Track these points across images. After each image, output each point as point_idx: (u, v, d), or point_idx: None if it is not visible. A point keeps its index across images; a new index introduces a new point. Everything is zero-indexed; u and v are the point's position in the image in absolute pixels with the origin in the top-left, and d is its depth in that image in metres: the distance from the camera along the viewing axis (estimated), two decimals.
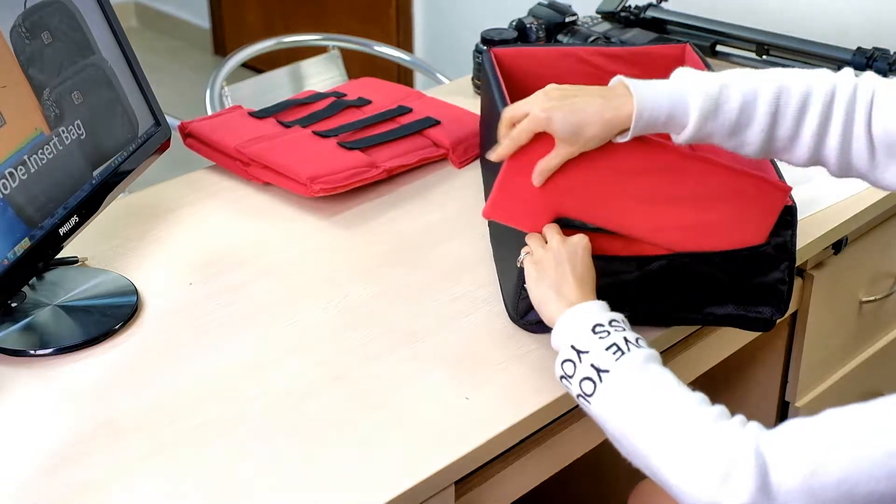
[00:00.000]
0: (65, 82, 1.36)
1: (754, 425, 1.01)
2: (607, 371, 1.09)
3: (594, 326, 1.12)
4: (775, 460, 0.97)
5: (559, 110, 1.17)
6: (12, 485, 1.11)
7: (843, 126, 1.19)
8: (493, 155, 1.23)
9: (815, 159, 1.23)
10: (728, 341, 1.52)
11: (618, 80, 1.21)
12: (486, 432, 1.18)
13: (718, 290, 1.30)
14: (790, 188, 1.26)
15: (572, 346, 1.13)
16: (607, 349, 1.10)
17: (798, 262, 1.56)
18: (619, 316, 1.15)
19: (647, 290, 1.28)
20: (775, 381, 1.75)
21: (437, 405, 1.22)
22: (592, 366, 1.10)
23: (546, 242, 1.23)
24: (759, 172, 1.26)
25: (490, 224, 1.53)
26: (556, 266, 1.20)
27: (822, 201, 1.62)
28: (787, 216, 1.27)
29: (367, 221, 1.59)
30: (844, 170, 1.23)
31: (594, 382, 1.10)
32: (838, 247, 1.66)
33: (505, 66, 1.66)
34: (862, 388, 1.87)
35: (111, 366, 1.29)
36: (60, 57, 1.36)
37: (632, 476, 1.58)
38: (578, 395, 1.12)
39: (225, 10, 4.47)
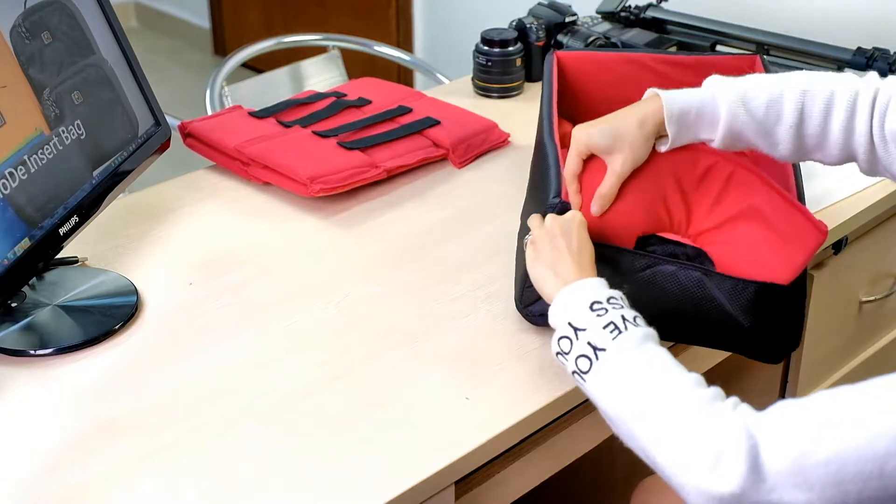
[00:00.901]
0: (65, 82, 1.36)
1: (745, 408, 1.01)
2: (604, 349, 1.09)
3: (592, 304, 1.12)
4: (765, 442, 0.97)
5: (594, 126, 1.27)
6: (12, 485, 1.11)
7: (868, 121, 1.23)
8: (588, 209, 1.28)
9: (847, 155, 1.26)
10: None
11: (649, 91, 1.28)
12: (486, 432, 1.18)
13: (727, 323, 1.25)
14: (826, 228, 1.22)
15: (569, 323, 1.12)
16: (604, 327, 1.10)
17: None
18: (617, 293, 1.14)
19: (651, 301, 1.24)
20: (775, 381, 1.75)
21: (437, 405, 1.22)
22: (589, 343, 1.10)
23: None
24: (800, 206, 1.24)
25: (521, 217, 1.52)
26: (550, 244, 1.20)
27: (823, 201, 1.62)
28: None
29: (367, 221, 1.59)
30: (873, 166, 1.26)
31: (590, 360, 1.10)
32: (838, 247, 1.66)
33: (567, 71, 1.65)
34: None
35: (111, 366, 1.29)
36: (60, 57, 1.36)
37: (631, 476, 1.58)
38: (574, 372, 1.12)
39: (225, 10, 4.47)
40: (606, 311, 1.11)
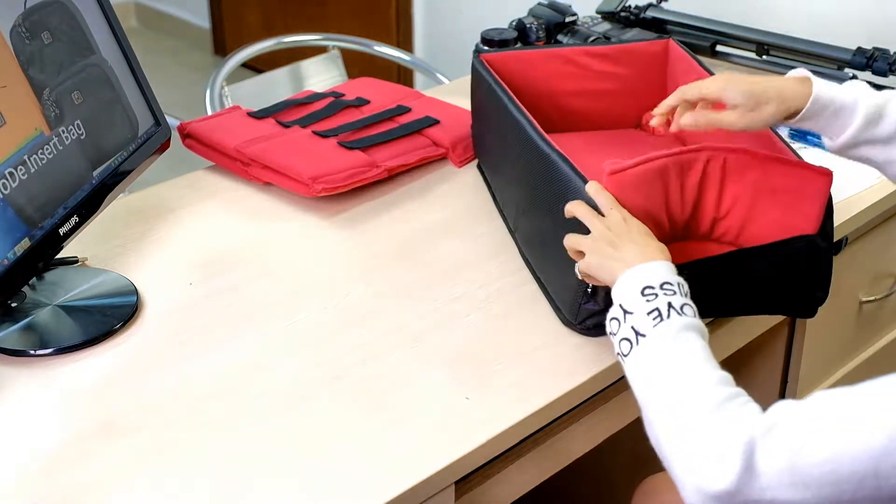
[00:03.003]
0: (65, 82, 1.36)
1: (751, 408, 1.01)
2: (644, 335, 1.10)
3: (644, 288, 1.12)
4: (762, 441, 0.97)
5: (738, 84, 1.30)
6: (12, 485, 1.11)
7: None
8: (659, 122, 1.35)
9: None
10: (729, 341, 1.52)
11: (799, 70, 1.33)
12: (486, 432, 1.18)
13: (768, 291, 1.32)
14: (831, 172, 1.26)
15: (620, 305, 1.14)
16: (649, 313, 1.10)
17: None
18: (675, 279, 1.13)
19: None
20: (775, 381, 1.75)
21: (437, 405, 1.22)
22: (633, 328, 1.11)
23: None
24: (798, 161, 1.28)
25: (526, 244, 1.50)
26: (610, 245, 1.19)
27: None
28: (829, 203, 1.29)
29: (367, 221, 1.59)
30: None
31: (631, 344, 1.11)
32: (838, 247, 1.66)
33: (495, 70, 1.66)
34: None
35: (111, 366, 1.29)
36: (60, 57, 1.36)
37: (631, 476, 1.59)
38: (617, 353, 1.13)
39: (225, 10, 4.47)
40: (656, 296, 1.11)
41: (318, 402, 1.23)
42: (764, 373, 1.75)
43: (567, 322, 1.34)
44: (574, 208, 1.26)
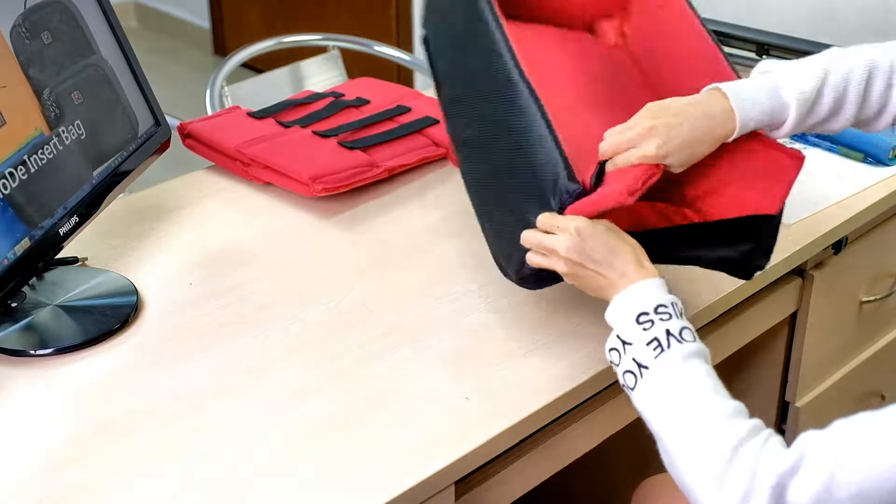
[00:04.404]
0: (65, 82, 1.36)
1: (774, 443, 1.01)
2: (647, 367, 1.09)
3: (639, 316, 1.11)
4: (790, 481, 0.97)
5: (674, 153, 1.20)
6: (12, 484, 1.11)
7: None
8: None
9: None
10: (729, 341, 1.52)
11: (713, 87, 1.25)
12: (486, 432, 1.18)
13: (720, 257, 1.28)
14: (803, 157, 1.25)
15: (618, 336, 1.12)
16: (648, 343, 1.09)
17: (798, 263, 1.56)
18: (668, 299, 1.12)
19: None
20: (775, 381, 1.75)
21: (437, 405, 1.22)
22: (634, 360, 1.10)
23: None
24: (772, 142, 1.26)
25: (468, 178, 1.41)
26: (582, 268, 1.17)
27: (822, 201, 1.62)
28: None
29: (367, 221, 1.59)
30: None
31: (635, 376, 1.10)
32: (838, 247, 1.66)
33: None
34: (862, 389, 1.87)
35: (111, 366, 1.29)
36: (60, 57, 1.36)
37: (631, 476, 1.59)
38: (623, 386, 1.13)
39: (225, 10, 4.47)
40: (653, 323, 1.10)
41: (318, 402, 1.23)
42: (764, 373, 1.75)
43: (510, 277, 1.28)
44: (528, 235, 1.21)
